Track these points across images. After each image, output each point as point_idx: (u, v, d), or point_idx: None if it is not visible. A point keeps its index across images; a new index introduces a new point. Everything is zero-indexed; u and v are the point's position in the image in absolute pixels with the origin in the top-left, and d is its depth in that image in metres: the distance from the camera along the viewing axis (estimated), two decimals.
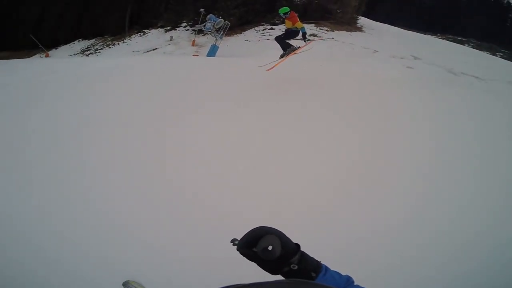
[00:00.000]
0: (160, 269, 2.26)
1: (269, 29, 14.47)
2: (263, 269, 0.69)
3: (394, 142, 4.07)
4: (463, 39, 25.28)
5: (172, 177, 3.28)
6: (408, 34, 17.19)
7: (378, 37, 14.59)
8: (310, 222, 2.61)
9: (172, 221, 2.70)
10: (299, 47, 6.15)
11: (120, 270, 2.24)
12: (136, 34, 20.42)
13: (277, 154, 3.69)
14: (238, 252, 0.69)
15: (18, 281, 2.15)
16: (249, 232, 0.68)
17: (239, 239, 0.70)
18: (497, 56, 19.18)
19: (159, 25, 19.85)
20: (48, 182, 3.15)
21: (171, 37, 16.69)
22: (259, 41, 13.38)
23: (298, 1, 16.29)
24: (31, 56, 22.80)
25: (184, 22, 18.08)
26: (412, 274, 2.28)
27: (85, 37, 24.66)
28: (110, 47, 20.21)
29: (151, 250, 2.40)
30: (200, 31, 13.83)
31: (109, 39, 22.40)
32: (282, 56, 6.20)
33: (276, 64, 5.98)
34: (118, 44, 20.16)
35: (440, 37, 23.34)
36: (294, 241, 0.69)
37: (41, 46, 19.91)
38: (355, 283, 0.67)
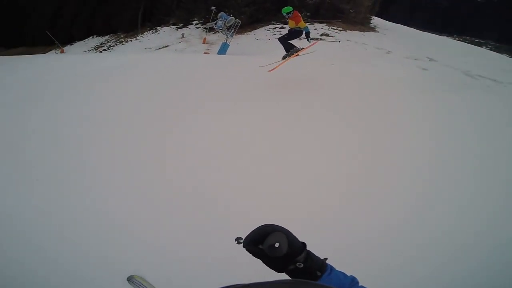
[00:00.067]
0: (160, 269, 2.26)
1: (279, 28, 14.35)
2: (268, 266, 0.69)
3: (403, 144, 4.04)
4: (481, 40, 24.59)
5: (172, 177, 3.28)
6: (423, 35, 16.77)
7: (392, 37, 14.28)
8: (310, 222, 2.58)
9: (172, 221, 2.70)
10: (302, 48, 6.06)
11: (120, 270, 2.24)
12: (148, 31, 20.62)
13: (278, 154, 3.69)
14: (244, 249, 0.69)
15: (18, 281, 2.15)
16: (256, 229, 0.68)
17: (243, 238, 0.70)
18: None
19: (170, 22, 20.00)
20: (48, 182, 3.16)
21: (183, 34, 16.79)
22: (270, 40, 13.27)
23: (310, 1, 16.10)
24: (47, 52, 23.28)
25: (195, 20, 18.17)
26: (412, 274, 2.28)
27: (99, 34, 25.12)
28: (123, 44, 20.48)
29: (151, 250, 2.40)
30: (211, 29, 13.87)
31: (122, 36, 22.73)
32: (284, 58, 6.12)
33: (278, 66, 5.93)
34: (131, 41, 20.41)
35: (456, 38, 22.69)
36: None
37: (56, 43, 20.35)
38: (360, 284, 0.67)
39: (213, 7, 12.44)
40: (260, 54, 6.22)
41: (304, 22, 5.77)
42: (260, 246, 0.66)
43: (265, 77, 6.03)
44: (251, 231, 0.69)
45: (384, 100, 5.48)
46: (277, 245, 0.63)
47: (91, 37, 25.25)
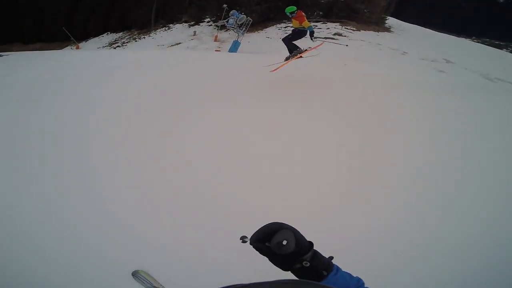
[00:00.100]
0: (160, 269, 2.26)
1: (291, 27, 14.14)
2: (274, 264, 0.69)
3: (405, 144, 4.01)
4: (501, 43, 23.73)
5: (172, 177, 3.28)
6: (440, 36, 16.34)
7: (408, 38, 13.98)
8: (310, 222, 2.52)
9: (172, 221, 2.69)
10: (306, 50, 5.96)
11: (120, 270, 2.23)
12: (161, 29, 20.82)
13: (278, 155, 3.68)
14: (246, 247, 0.69)
15: (18, 281, 2.15)
16: (263, 226, 0.69)
17: (248, 236, 0.70)
18: None
19: (183, 20, 20.13)
20: (48, 182, 3.16)
21: (195, 32, 16.86)
22: (281, 38, 13.16)
23: (322, 0, 15.87)
24: (63, 47, 23.80)
25: (207, 17, 18.22)
26: (412, 274, 2.28)
27: (113, 31, 25.56)
28: (136, 41, 20.73)
29: (151, 250, 2.39)
30: (222, 27, 13.88)
31: (135, 33, 23.03)
32: (287, 59, 6.04)
33: (280, 66, 5.92)
34: (144, 38, 20.63)
35: (475, 40, 21.98)
36: None
37: (72, 39, 20.78)
38: (365, 285, 0.67)
39: (224, 5, 12.46)
40: (270, 52, 6.17)
41: (308, 21, 5.68)
42: (267, 244, 0.66)
43: (271, 76, 6.00)
44: (258, 228, 0.69)
45: (395, 101, 5.36)
46: (284, 242, 0.63)
47: (106, 33, 25.71)
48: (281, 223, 0.68)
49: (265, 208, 2.74)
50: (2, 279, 2.16)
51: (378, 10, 15.91)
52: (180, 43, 16.11)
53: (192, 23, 18.96)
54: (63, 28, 20.72)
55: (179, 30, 18.98)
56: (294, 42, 5.93)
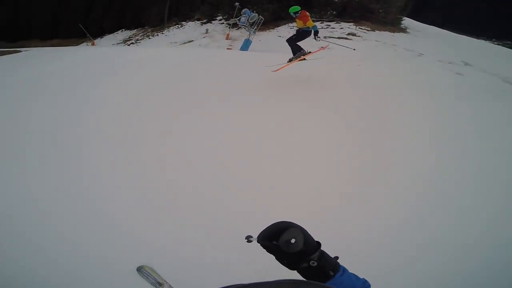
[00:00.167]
0: (160, 269, 2.26)
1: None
2: (281, 263, 0.69)
3: (416, 147, 3.95)
4: None
5: (172, 177, 3.27)
6: (458, 38, 15.74)
7: (424, 39, 13.58)
8: (310, 222, 2.47)
9: (172, 221, 2.70)
10: (310, 52, 5.85)
11: (120, 270, 2.24)
12: (174, 26, 20.96)
13: (278, 155, 3.68)
14: (255, 245, 0.70)
15: (18, 281, 2.16)
16: (271, 224, 0.69)
17: (253, 236, 0.71)
18: None
19: (195, 17, 20.22)
20: (48, 182, 3.17)
21: (207, 30, 16.92)
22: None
23: None
24: (79, 44, 24.31)
25: (219, 15, 18.24)
26: (412, 274, 2.28)
27: (128, 28, 25.91)
28: (149, 38, 20.95)
29: (151, 250, 2.40)
30: (234, 25, 13.87)
31: (149, 30, 23.28)
32: (290, 60, 5.96)
33: (282, 67, 5.89)
34: (157, 35, 20.83)
35: (495, 42, 21.06)
36: None
37: (88, 35, 21.19)
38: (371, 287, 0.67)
39: (236, 3, 12.44)
40: (281, 51, 6.10)
41: (312, 21, 5.58)
42: (275, 242, 0.66)
43: (279, 76, 5.95)
44: (265, 227, 0.70)
45: (405, 102, 5.23)
46: (293, 241, 0.63)
47: (120, 30, 26.08)
48: (290, 222, 0.69)
49: (265, 208, 2.74)
50: (2, 279, 2.17)
51: (393, 11, 15.54)
52: (192, 40, 16.20)
53: (205, 21, 19.05)
54: (79, 25, 21.15)
55: (191, 28, 19.08)
56: (298, 43, 5.84)
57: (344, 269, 0.68)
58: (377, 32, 13.71)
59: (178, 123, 4.34)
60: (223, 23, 17.29)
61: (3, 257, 2.31)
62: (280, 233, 0.65)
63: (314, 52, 5.84)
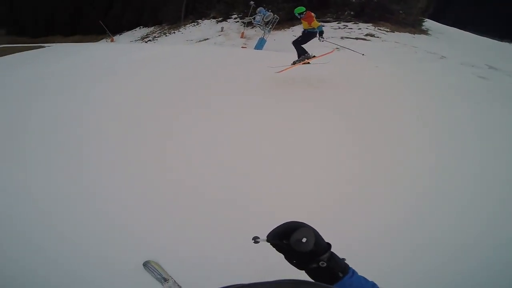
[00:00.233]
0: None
1: None
2: (290, 262, 0.70)
3: (416, 147, 3.93)
4: None
5: (172, 177, 3.27)
6: (482, 41, 15.20)
7: (446, 42, 13.19)
8: (310, 222, 2.41)
9: (172, 221, 2.69)
10: (314, 56, 5.79)
11: (119, 270, 2.24)
12: (190, 24, 21.19)
13: (278, 155, 3.68)
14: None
15: (18, 281, 2.16)
16: (282, 224, 0.70)
17: (260, 237, 0.71)
18: None
19: (211, 15, 20.35)
20: (48, 182, 3.17)
21: (222, 28, 17.01)
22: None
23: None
24: (99, 40, 24.95)
25: (234, 14, 18.26)
26: (412, 274, 2.28)
27: (146, 25, 26.44)
28: (166, 35, 21.26)
29: (151, 250, 2.38)
30: (249, 24, 13.84)
31: (166, 27, 23.64)
32: (294, 63, 5.92)
33: (285, 69, 5.90)
34: (174, 33, 21.12)
35: None
36: None
37: (107, 32, 21.73)
38: None
39: (251, 2, 12.40)
40: (295, 51, 6.01)
41: (318, 21, 5.50)
42: (285, 241, 0.67)
43: (289, 76, 5.91)
44: (275, 226, 0.70)
45: (422, 104, 5.10)
46: (304, 240, 0.64)
47: (138, 27, 26.64)
48: (301, 222, 0.69)
49: (265, 208, 2.74)
50: (2, 279, 2.17)
51: (414, 12, 15.05)
52: (207, 38, 16.33)
53: (220, 19, 19.18)
54: (100, 21, 21.71)
55: (207, 26, 19.24)
56: (304, 45, 5.76)
57: (354, 272, 0.68)
58: (396, 33, 13.38)
59: (178, 123, 4.34)
60: (238, 21, 17.34)
61: (3, 257, 2.31)
62: (291, 233, 0.66)
63: (319, 56, 5.75)
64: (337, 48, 6.83)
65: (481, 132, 4.36)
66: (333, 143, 3.97)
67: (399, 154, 3.78)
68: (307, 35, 5.62)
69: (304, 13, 5.48)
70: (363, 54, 6.76)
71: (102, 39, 24.90)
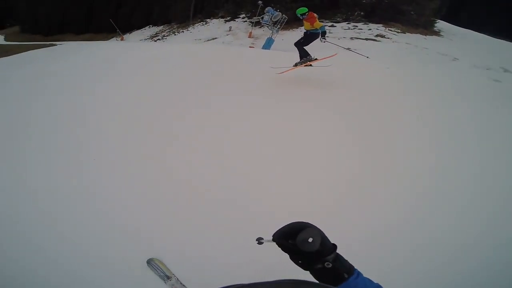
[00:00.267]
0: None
1: (329, 26, 13.60)
2: (295, 262, 0.70)
3: (416, 147, 3.91)
4: None
5: (173, 177, 3.27)
6: (497, 43, 14.57)
7: (459, 43, 12.84)
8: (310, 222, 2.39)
9: (172, 221, 2.69)
10: (316, 59, 5.73)
11: (119, 270, 2.24)
12: (199, 23, 21.29)
13: (278, 155, 3.67)
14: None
15: (18, 281, 2.16)
16: (289, 224, 0.70)
17: (264, 238, 0.72)
18: None
19: (219, 15, 20.39)
20: (48, 182, 3.17)
21: (230, 27, 17.03)
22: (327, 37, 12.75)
23: (364, 0, 15.01)
24: (110, 38, 25.31)
25: (242, 13, 18.25)
26: (412, 274, 2.28)
27: (155, 24, 26.66)
28: (175, 34, 21.39)
29: (151, 250, 2.39)
30: (257, 23, 13.80)
31: (175, 26, 23.79)
32: (296, 65, 5.88)
33: (286, 71, 5.90)
34: (183, 31, 21.22)
35: None
36: None
37: (118, 30, 21.99)
38: None
39: (260, 2, 12.33)
40: (309, 50, 5.97)
41: (320, 22, 5.46)
42: (290, 241, 0.67)
43: (287, 76, 5.86)
44: (278, 225, 0.71)
45: (431, 107, 4.98)
46: (310, 240, 0.64)
47: (148, 26, 26.89)
48: (307, 222, 0.69)
49: (265, 208, 2.75)
50: (2, 279, 2.17)
51: (426, 13, 14.71)
52: (216, 38, 16.36)
53: (228, 18, 19.20)
54: (110, 20, 21.99)
55: (215, 25, 19.30)
56: (306, 46, 5.71)
57: (359, 273, 0.68)
58: (408, 34, 13.12)
59: (178, 123, 4.35)
60: (246, 21, 17.33)
61: (3, 257, 2.32)
62: (297, 233, 0.66)
63: (321, 59, 5.69)
64: (343, 49, 6.71)
65: (491, 135, 4.30)
66: (334, 143, 3.96)
67: (399, 154, 3.77)
68: (310, 36, 5.57)
69: (307, 13, 5.44)
70: (367, 57, 6.66)
71: (112, 37, 25.25)
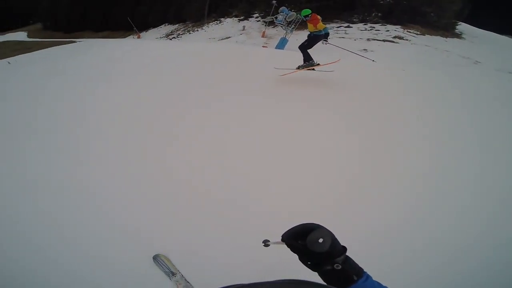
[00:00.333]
0: (158, 268, 2.25)
1: (345, 27, 13.35)
2: (304, 263, 0.70)
3: (416, 147, 3.87)
4: None
5: (173, 177, 3.27)
6: None
7: (482, 46, 12.43)
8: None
9: (173, 221, 2.69)
10: (318, 64, 5.72)
11: (119, 270, 2.24)
12: (213, 22, 21.41)
13: (279, 155, 3.66)
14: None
15: (18, 281, 2.16)
16: (299, 225, 0.71)
17: (270, 240, 0.73)
18: None
19: (233, 14, 20.43)
20: (48, 182, 3.18)
21: (244, 27, 17.02)
22: (331, 39, 12.48)
23: (381, 0, 14.59)
24: (127, 36, 25.82)
25: (256, 13, 18.20)
26: (412, 274, 2.28)
27: (171, 22, 26.99)
28: (190, 33, 21.57)
29: (151, 250, 2.38)
30: (270, 23, 13.72)
31: (190, 25, 24.01)
32: (298, 67, 5.86)
33: (289, 73, 5.90)
34: (197, 30, 21.39)
35: None
36: None
37: (135, 28, 22.38)
38: None
39: (274, 1, 12.20)
40: (315, 52, 5.86)
41: (323, 23, 5.46)
42: (299, 242, 0.68)
43: (289, 77, 5.80)
44: (292, 226, 0.71)
45: (443, 110, 4.82)
46: (320, 240, 0.65)
47: (164, 25, 27.26)
48: (318, 224, 0.70)
49: (265, 208, 2.75)
50: (2, 279, 2.18)
51: (448, 15, 14.16)
52: (229, 37, 16.39)
53: (242, 17, 19.21)
54: (128, 18, 22.38)
55: (229, 24, 19.35)
56: (310, 49, 5.71)
57: (368, 276, 0.69)
58: (427, 36, 12.75)
59: (179, 123, 4.35)
60: (259, 20, 17.27)
61: (3, 257, 2.33)
62: (307, 233, 0.67)
63: (323, 65, 5.69)
64: (352, 52, 6.57)
65: (493, 136, 4.18)
66: (334, 143, 3.94)
67: (399, 154, 3.75)
68: (313, 39, 5.56)
69: (310, 15, 5.41)
70: (373, 60, 6.49)
71: (129, 35, 25.72)
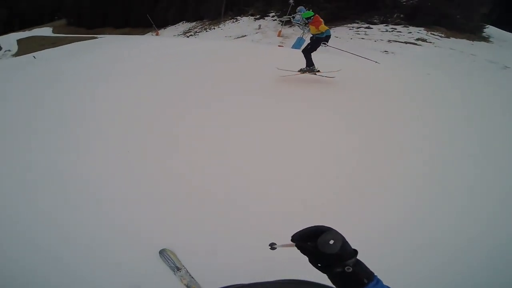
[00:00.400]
0: (158, 268, 2.27)
1: (365, 28, 12.99)
2: (314, 265, 0.70)
3: (416, 147, 3.88)
4: None
5: (173, 177, 3.27)
6: None
7: (511, 50, 11.50)
8: (309, 223, 2.23)
9: (173, 221, 2.69)
10: (319, 71, 5.74)
11: (120, 270, 2.24)
12: (229, 20, 21.49)
13: (279, 155, 3.67)
14: (295, 244, 0.71)
15: (18, 281, 2.17)
16: (309, 227, 0.72)
17: (276, 243, 0.73)
18: None
19: (249, 13, 20.40)
20: (48, 182, 3.18)
21: (259, 25, 16.96)
22: (351, 39, 12.10)
23: (404, 1, 14.04)
24: (146, 33, 26.40)
25: (272, 12, 18.09)
26: (412, 274, 2.28)
27: (188, 20, 27.33)
28: (207, 31, 21.81)
29: (151, 250, 2.39)
30: (287, 22, 13.57)
31: (207, 23, 24.21)
32: (300, 70, 5.87)
33: (289, 75, 5.90)
34: (214, 28, 21.60)
35: None
36: None
37: (153, 25, 22.78)
38: None
39: (290, 1, 12.00)
40: (331, 52, 5.75)
41: (325, 25, 5.44)
42: (309, 243, 0.68)
43: (291, 77, 5.75)
44: (302, 228, 0.72)
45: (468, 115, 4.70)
46: (331, 242, 0.65)
47: (182, 22, 27.62)
48: (328, 226, 0.70)
49: (265, 208, 2.75)
50: (2, 279, 2.18)
51: (475, 18, 13.42)
52: (245, 35, 16.42)
53: (258, 16, 19.16)
54: (147, 15, 22.81)
55: (245, 23, 19.41)
56: (314, 52, 5.70)
57: (378, 280, 0.68)
58: (452, 39, 12.27)
59: (179, 123, 4.35)
60: (275, 19, 17.14)
61: (3, 257, 2.33)
62: (318, 235, 0.67)
63: (323, 74, 5.72)
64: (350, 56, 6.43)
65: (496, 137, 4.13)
66: (334, 143, 3.95)
67: (399, 154, 3.74)
68: (316, 41, 5.52)
69: (312, 17, 5.39)
70: (376, 62, 6.28)
71: (148, 32, 26.26)
